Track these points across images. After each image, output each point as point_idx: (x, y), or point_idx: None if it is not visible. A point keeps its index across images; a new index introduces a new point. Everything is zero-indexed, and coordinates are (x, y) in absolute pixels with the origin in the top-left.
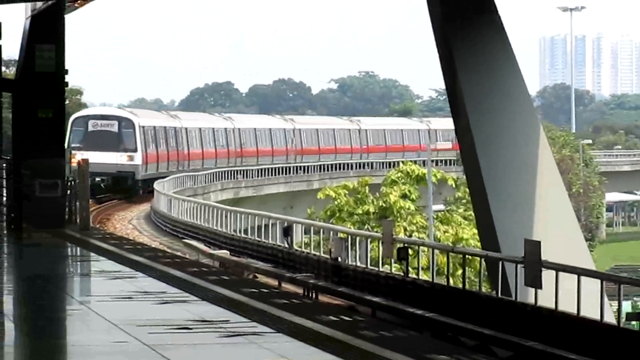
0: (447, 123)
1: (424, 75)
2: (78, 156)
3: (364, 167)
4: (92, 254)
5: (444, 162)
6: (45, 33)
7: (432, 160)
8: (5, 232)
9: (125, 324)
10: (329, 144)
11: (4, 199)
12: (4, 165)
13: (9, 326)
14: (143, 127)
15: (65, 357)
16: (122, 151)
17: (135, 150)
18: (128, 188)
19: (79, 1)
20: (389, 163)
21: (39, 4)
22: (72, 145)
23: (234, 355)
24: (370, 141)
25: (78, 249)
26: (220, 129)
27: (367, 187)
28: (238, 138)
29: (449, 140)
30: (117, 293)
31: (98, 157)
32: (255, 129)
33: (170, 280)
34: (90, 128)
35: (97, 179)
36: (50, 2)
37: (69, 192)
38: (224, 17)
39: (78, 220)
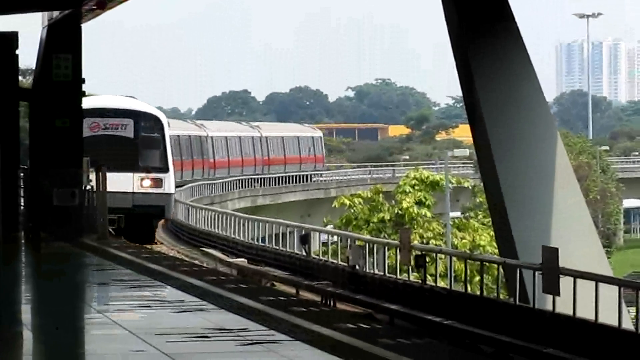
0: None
1: (442, 82)
2: None
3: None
4: (109, 262)
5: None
6: (62, 42)
7: None
8: (23, 241)
9: (144, 333)
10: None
11: (21, 208)
12: (22, 174)
13: (27, 335)
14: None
15: None
16: (143, 170)
17: (165, 170)
18: (151, 229)
19: (96, 10)
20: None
21: (56, 13)
22: None
23: None
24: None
25: (96, 258)
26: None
27: (380, 195)
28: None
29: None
30: (135, 302)
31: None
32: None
33: (188, 289)
34: (88, 131)
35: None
36: (67, 12)
37: (87, 201)
38: (243, 26)
39: (96, 230)
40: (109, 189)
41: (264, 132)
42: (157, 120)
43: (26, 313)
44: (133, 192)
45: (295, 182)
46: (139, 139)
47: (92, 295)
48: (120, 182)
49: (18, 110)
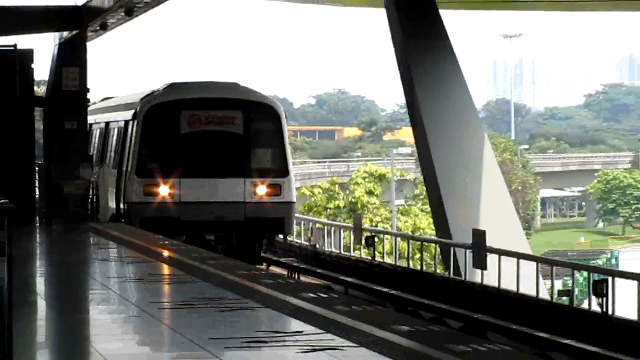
0: None
1: (389, 91)
2: (162, 189)
3: None
4: (110, 242)
5: None
6: (71, 58)
7: None
8: (37, 225)
9: (138, 300)
10: None
11: (37, 196)
12: (37, 168)
13: (41, 304)
14: None
15: (88, 329)
16: (257, 175)
17: (284, 173)
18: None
19: (99, 31)
20: None
21: (65, 34)
22: (149, 165)
23: None
24: None
25: (99, 238)
26: None
27: (336, 186)
28: None
29: None
30: (131, 276)
31: (199, 191)
32: None
33: (175, 264)
34: (185, 127)
35: (209, 236)
36: (74, 32)
37: (91, 190)
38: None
39: (99, 215)
40: (211, 198)
41: None
42: (272, 110)
43: (40, 284)
44: (245, 202)
45: None
46: (250, 135)
47: (95, 270)
48: (227, 190)
49: (33, 115)
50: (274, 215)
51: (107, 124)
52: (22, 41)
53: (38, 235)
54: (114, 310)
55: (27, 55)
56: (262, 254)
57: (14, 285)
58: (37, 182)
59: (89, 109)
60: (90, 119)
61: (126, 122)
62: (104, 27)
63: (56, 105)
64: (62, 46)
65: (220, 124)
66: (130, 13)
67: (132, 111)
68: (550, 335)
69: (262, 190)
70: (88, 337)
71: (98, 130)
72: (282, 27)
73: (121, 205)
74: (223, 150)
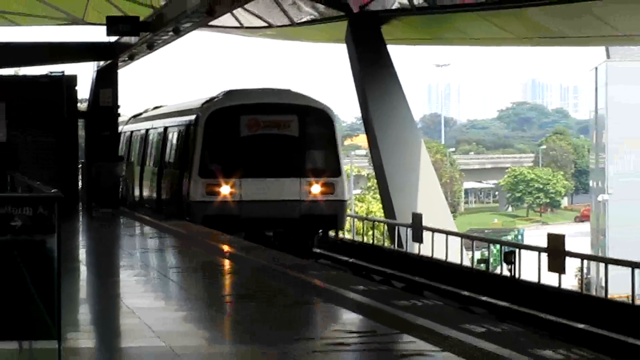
0: None
1: (348, 106)
2: (224, 189)
3: None
4: (136, 222)
5: None
6: (106, 81)
7: None
8: (80, 209)
9: (157, 267)
10: None
11: (80, 188)
12: (80, 166)
13: (82, 269)
14: None
15: (119, 289)
16: (311, 175)
17: (337, 173)
18: (308, 245)
19: (127, 61)
20: None
21: (101, 63)
22: (211, 166)
23: None
24: None
25: (127, 219)
26: None
27: None
28: None
29: None
30: (153, 247)
31: (258, 190)
32: None
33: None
34: (244, 130)
35: (268, 232)
36: (108, 62)
37: (121, 183)
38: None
39: (127, 202)
40: (269, 197)
41: None
42: (325, 114)
43: (82, 254)
44: (301, 201)
45: None
46: (305, 138)
47: (124, 243)
48: (284, 189)
49: (77, 125)
50: (327, 213)
51: (166, 128)
52: (69, 68)
53: (80, 217)
54: (139, 274)
55: (72, 80)
56: None
57: (62, 255)
58: (80, 176)
59: (142, 116)
60: (148, 124)
61: (187, 126)
62: (131, 58)
63: (94, 117)
64: (99, 72)
65: (277, 127)
66: (151, 47)
67: (194, 116)
68: (471, 293)
69: (316, 189)
70: (119, 294)
71: (156, 135)
72: (265, 59)
73: (182, 204)
74: (280, 152)
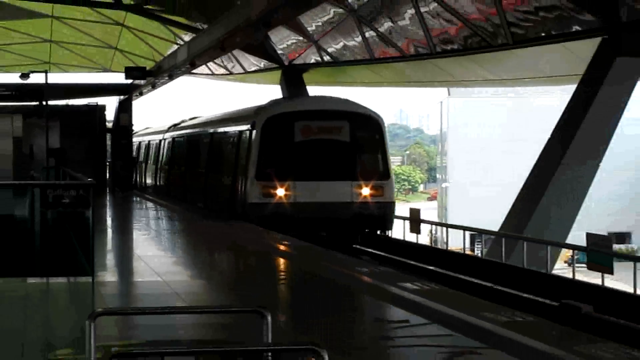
0: None
1: None
2: (279, 191)
3: None
4: (148, 201)
5: None
6: (124, 108)
7: None
8: (107, 192)
9: (170, 232)
10: None
11: (107, 178)
12: (107, 163)
13: (109, 232)
14: None
15: (132, 242)
16: (361, 178)
17: (386, 176)
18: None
19: (138, 95)
20: None
21: (121, 97)
22: (267, 170)
23: None
24: None
25: (140, 198)
26: None
27: None
28: None
29: None
30: (157, 216)
31: (312, 192)
32: None
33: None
34: (299, 136)
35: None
36: (126, 96)
37: (135, 175)
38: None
39: (139, 186)
40: (322, 199)
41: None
42: (374, 121)
43: (108, 220)
44: (352, 202)
45: None
46: (356, 143)
47: (136, 213)
48: (336, 191)
49: (106, 137)
50: (377, 214)
51: (212, 134)
52: (101, 100)
53: (107, 197)
54: (146, 233)
55: (102, 108)
56: None
57: (94, 221)
58: (108, 170)
59: (182, 124)
60: (189, 131)
61: (240, 132)
62: (141, 94)
63: (117, 132)
64: (120, 103)
65: (329, 133)
66: (154, 87)
67: (248, 123)
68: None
69: (366, 191)
70: (132, 247)
71: (202, 140)
72: (228, 95)
73: (238, 206)
74: (332, 156)
